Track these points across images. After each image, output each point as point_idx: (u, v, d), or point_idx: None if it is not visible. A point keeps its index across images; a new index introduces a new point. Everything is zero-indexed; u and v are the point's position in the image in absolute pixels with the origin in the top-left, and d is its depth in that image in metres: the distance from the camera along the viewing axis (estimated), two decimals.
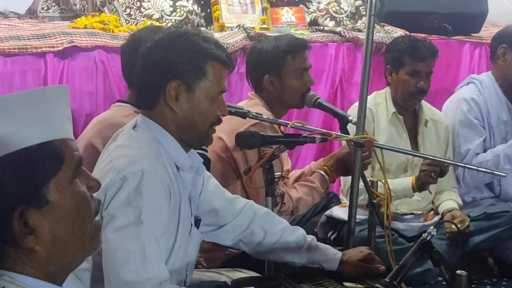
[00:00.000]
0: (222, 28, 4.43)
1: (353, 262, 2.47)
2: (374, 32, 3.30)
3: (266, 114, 2.97)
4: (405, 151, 3.21)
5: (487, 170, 2.89)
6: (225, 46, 2.33)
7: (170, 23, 4.37)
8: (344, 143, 3.32)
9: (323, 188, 3.21)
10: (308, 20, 4.82)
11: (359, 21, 4.94)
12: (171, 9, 4.44)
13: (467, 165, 3.00)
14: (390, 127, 3.73)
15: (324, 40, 4.41)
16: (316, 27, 4.73)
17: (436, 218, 3.74)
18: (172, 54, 2.15)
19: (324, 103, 3.18)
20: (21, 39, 3.69)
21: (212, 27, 4.54)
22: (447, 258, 2.35)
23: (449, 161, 3.61)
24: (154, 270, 2.00)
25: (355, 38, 4.44)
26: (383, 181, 2.81)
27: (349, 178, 3.04)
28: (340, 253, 2.49)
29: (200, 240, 2.40)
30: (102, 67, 3.74)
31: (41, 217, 1.24)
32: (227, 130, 2.97)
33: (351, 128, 2.97)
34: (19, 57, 3.59)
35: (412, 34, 4.44)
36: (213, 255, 3.04)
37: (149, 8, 4.41)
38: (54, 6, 4.94)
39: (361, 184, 2.86)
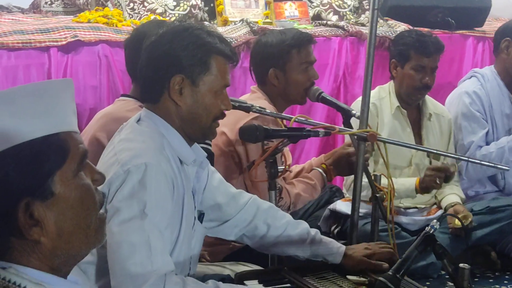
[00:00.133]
0: (225, 22, 4.44)
1: (358, 257, 2.47)
2: (378, 26, 3.30)
3: (269, 108, 2.97)
4: (408, 145, 3.21)
5: (491, 164, 2.89)
6: (228, 41, 2.33)
7: (174, 18, 4.37)
8: (347, 139, 3.32)
9: (321, 186, 3.22)
10: (311, 14, 4.82)
11: (363, 15, 4.94)
12: (175, 3, 4.45)
13: (470, 159, 3.00)
14: (394, 121, 3.73)
15: (327, 34, 4.41)
16: (319, 21, 4.74)
17: (439, 212, 3.75)
18: (176, 48, 2.16)
19: (328, 97, 3.18)
20: (25, 34, 3.70)
21: (215, 22, 4.55)
22: (450, 252, 2.36)
23: (453, 155, 3.61)
24: (159, 262, 2.01)
25: (358, 32, 4.44)
26: (386, 175, 2.81)
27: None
28: (343, 247, 2.50)
29: (203, 234, 2.40)
30: (105, 61, 3.75)
31: (46, 209, 1.25)
32: (229, 124, 2.98)
33: (354, 122, 2.97)
34: (23, 51, 3.60)
35: (415, 28, 4.45)
36: (217, 248, 3.04)
37: (153, 3, 4.42)
38: (57, 0, 4.95)
39: (364, 179, 2.87)
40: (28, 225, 1.24)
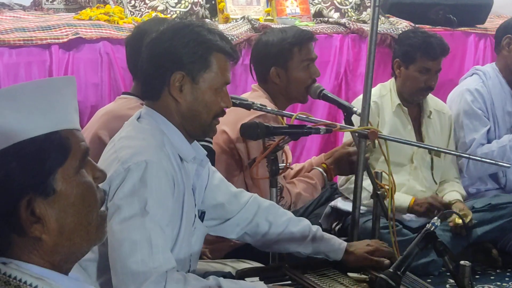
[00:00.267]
0: (226, 19, 4.44)
1: (359, 254, 2.47)
2: (379, 24, 3.30)
3: (269, 106, 2.97)
4: (409, 142, 3.21)
5: (492, 161, 2.89)
6: (229, 38, 2.33)
7: (175, 15, 4.37)
8: (347, 136, 3.32)
9: (321, 185, 3.22)
10: (312, 11, 4.81)
11: (364, 13, 4.94)
12: (176, 0, 4.45)
13: (471, 156, 3.00)
14: (395, 118, 3.73)
15: (328, 31, 4.41)
16: (321, 18, 4.73)
17: None
18: (176, 45, 2.16)
19: (329, 95, 3.18)
20: (26, 31, 3.70)
21: (216, 19, 4.55)
22: (451, 249, 2.36)
23: (454, 152, 3.62)
24: (160, 259, 2.01)
25: (359, 30, 4.44)
26: (387, 172, 2.81)
27: None
28: (345, 243, 2.50)
29: (204, 233, 2.40)
30: (107, 59, 3.76)
31: (48, 206, 1.25)
32: (230, 122, 2.97)
33: (355, 120, 2.97)
34: (25, 49, 3.60)
35: (417, 25, 4.44)
36: (218, 246, 3.05)
37: (154, 0, 4.42)
38: None
39: (364, 181, 2.87)
40: (29, 222, 1.24)
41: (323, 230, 2.59)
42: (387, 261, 2.44)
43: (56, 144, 1.26)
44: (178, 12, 4.41)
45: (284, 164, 2.77)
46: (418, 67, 3.68)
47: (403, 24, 4.60)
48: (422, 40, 3.70)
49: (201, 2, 4.56)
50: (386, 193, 2.82)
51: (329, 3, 4.90)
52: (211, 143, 2.83)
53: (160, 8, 4.39)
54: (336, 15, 4.84)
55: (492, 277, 3.69)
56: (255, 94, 3.20)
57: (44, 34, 3.68)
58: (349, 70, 4.41)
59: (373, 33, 2.80)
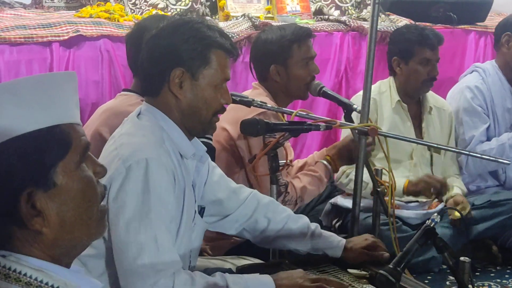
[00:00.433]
0: (227, 17, 4.44)
1: (357, 250, 2.48)
2: (379, 21, 3.31)
3: (270, 104, 2.98)
4: (408, 139, 3.22)
5: (491, 158, 2.90)
6: (230, 36, 2.33)
7: (175, 12, 4.37)
8: (347, 131, 3.32)
9: (326, 177, 3.21)
10: (313, 9, 4.81)
11: (364, 10, 4.94)
12: None
13: (471, 153, 3.01)
14: (394, 115, 3.74)
15: (329, 29, 4.41)
16: (321, 16, 4.73)
17: (440, 205, 3.76)
18: (176, 42, 2.17)
19: (329, 92, 3.19)
20: (27, 29, 3.70)
21: (217, 16, 4.55)
22: (451, 246, 2.36)
23: (453, 149, 3.63)
24: (167, 260, 2.02)
25: (360, 27, 4.44)
26: (387, 169, 2.82)
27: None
28: (344, 240, 2.51)
29: (204, 229, 2.41)
30: (107, 56, 3.76)
31: (48, 200, 1.26)
32: (231, 120, 2.98)
33: (355, 117, 2.98)
34: (25, 46, 3.60)
35: (417, 23, 4.44)
36: (218, 243, 3.06)
37: None
38: None
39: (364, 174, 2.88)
40: (30, 215, 1.25)
41: (323, 227, 2.61)
42: (386, 254, 2.45)
43: (57, 138, 1.27)
44: (178, 9, 4.42)
45: (285, 161, 2.77)
46: (418, 60, 3.69)
47: (403, 22, 4.60)
48: (417, 33, 3.73)
49: (202, 0, 4.56)
50: (386, 190, 2.83)
51: (330, 1, 4.90)
52: (211, 140, 2.84)
53: (161, 5, 4.39)
54: (336, 13, 4.84)
55: (492, 274, 3.70)
56: (255, 92, 3.21)
57: (44, 32, 3.69)
58: (349, 67, 4.41)
59: (373, 31, 2.81)
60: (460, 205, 3.58)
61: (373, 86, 3.20)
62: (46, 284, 1.25)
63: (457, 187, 3.78)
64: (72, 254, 1.34)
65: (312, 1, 4.85)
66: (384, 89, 3.77)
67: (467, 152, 3.16)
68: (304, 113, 2.81)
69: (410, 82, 3.74)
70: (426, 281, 3.48)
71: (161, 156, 2.11)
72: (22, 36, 3.61)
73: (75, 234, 1.30)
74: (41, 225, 1.26)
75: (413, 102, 3.83)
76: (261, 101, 2.83)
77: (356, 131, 2.86)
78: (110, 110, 2.86)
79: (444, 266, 3.60)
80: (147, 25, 2.70)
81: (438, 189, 3.52)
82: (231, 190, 2.49)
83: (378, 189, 2.83)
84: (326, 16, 4.70)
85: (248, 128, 2.61)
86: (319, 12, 4.83)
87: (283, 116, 3.13)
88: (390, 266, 2.09)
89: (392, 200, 2.83)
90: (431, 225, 2.12)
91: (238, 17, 4.39)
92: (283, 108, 3.05)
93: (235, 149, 3.10)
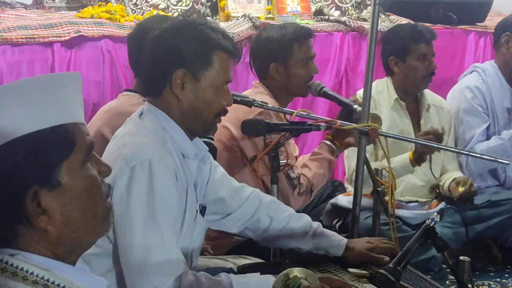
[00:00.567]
0: (227, 17, 4.45)
1: (359, 250, 2.49)
2: (379, 22, 3.32)
3: (271, 102, 2.99)
4: (409, 139, 3.23)
5: (491, 158, 2.91)
6: (230, 36, 2.34)
7: (176, 13, 4.38)
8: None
9: (333, 156, 3.15)
10: (313, 9, 4.82)
11: (364, 11, 4.95)
12: None
13: (471, 153, 3.02)
14: (393, 113, 3.75)
15: (329, 29, 4.42)
16: (322, 16, 4.74)
17: (440, 205, 3.77)
18: (179, 43, 2.18)
19: (329, 92, 3.20)
20: (28, 29, 3.71)
21: (217, 17, 4.55)
22: (450, 246, 2.38)
23: (453, 149, 3.63)
24: (174, 262, 2.04)
25: (360, 28, 4.45)
26: (387, 168, 2.83)
27: (354, 164, 3.05)
28: (345, 240, 2.52)
29: (205, 228, 2.42)
30: (108, 57, 3.77)
31: (53, 198, 1.28)
32: (233, 120, 2.99)
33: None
34: (27, 47, 3.61)
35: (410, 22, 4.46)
36: (219, 242, 3.06)
37: None
38: None
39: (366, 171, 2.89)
40: (35, 214, 1.26)
41: (324, 227, 2.61)
42: (386, 258, 2.46)
43: (61, 137, 1.29)
44: (179, 10, 4.43)
45: (285, 161, 2.78)
46: (415, 56, 3.70)
47: (403, 22, 4.61)
48: (411, 30, 3.75)
49: (202, 0, 4.57)
50: (386, 190, 2.84)
51: (330, 1, 4.91)
52: (212, 139, 2.85)
53: (162, 6, 4.40)
54: (336, 13, 4.85)
55: (491, 273, 3.71)
56: (256, 91, 3.22)
57: (46, 32, 3.70)
58: (349, 68, 4.42)
59: (374, 31, 2.82)
60: (462, 181, 3.57)
61: None
62: (53, 283, 1.26)
63: (457, 173, 3.79)
64: (77, 251, 1.36)
65: (312, 2, 4.86)
66: (381, 89, 3.78)
67: (467, 152, 3.17)
68: (305, 113, 2.82)
69: (409, 79, 3.75)
70: None
71: (163, 156, 2.12)
72: (23, 36, 3.62)
73: (80, 232, 1.32)
74: (47, 223, 1.27)
75: (411, 100, 3.84)
76: (262, 101, 2.84)
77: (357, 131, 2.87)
78: (112, 111, 2.87)
79: (444, 266, 3.62)
80: (149, 26, 2.71)
81: (437, 136, 3.44)
82: (233, 188, 2.51)
83: (379, 189, 2.84)
84: (327, 17, 4.71)
85: (249, 128, 2.62)
86: (319, 13, 4.84)
87: (284, 115, 3.14)
88: (390, 265, 2.09)
89: (392, 200, 2.84)
90: (431, 225, 2.12)
91: (239, 18, 4.40)
92: (284, 108, 3.06)
93: (237, 148, 3.11)
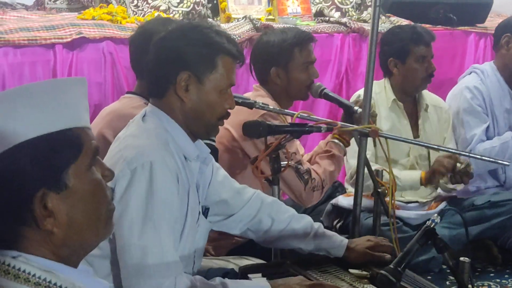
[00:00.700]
0: (228, 19, 4.46)
1: (360, 250, 2.50)
2: (380, 23, 3.32)
3: (272, 105, 2.99)
4: (410, 141, 3.24)
5: (491, 159, 2.92)
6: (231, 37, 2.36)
7: (177, 14, 4.40)
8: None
9: (341, 153, 3.20)
10: (314, 11, 4.83)
11: (365, 12, 4.96)
12: (178, 0, 4.47)
13: (471, 154, 3.03)
14: (391, 114, 3.76)
15: (329, 31, 4.43)
16: (322, 18, 4.75)
17: (440, 206, 3.78)
18: (184, 46, 2.19)
19: (330, 94, 3.21)
20: (30, 31, 3.72)
21: (218, 18, 4.56)
22: (451, 246, 2.38)
23: (454, 150, 3.64)
24: (171, 264, 2.05)
25: (360, 29, 4.46)
26: (388, 170, 2.84)
27: (354, 165, 3.07)
28: (346, 240, 2.53)
29: (208, 229, 2.44)
30: (110, 58, 3.78)
31: (60, 201, 1.29)
32: (234, 122, 2.99)
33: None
34: (29, 48, 3.62)
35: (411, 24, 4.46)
36: (221, 243, 3.07)
37: None
38: None
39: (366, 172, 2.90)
40: (42, 216, 1.28)
41: (324, 227, 2.62)
42: (388, 256, 2.47)
43: (69, 141, 1.31)
44: (180, 11, 4.44)
45: (286, 162, 2.79)
46: (415, 58, 3.71)
47: (403, 24, 4.62)
48: (410, 31, 3.75)
49: (203, 2, 4.58)
50: (386, 191, 2.85)
51: (330, 2, 4.93)
52: (214, 141, 2.86)
53: (163, 7, 4.41)
54: (337, 15, 4.87)
55: (491, 274, 3.72)
56: (257, 94, 3.22)
57: (48, 34, 3.70)
58: (350, 69, 4.43)
59: (374, 32, 2.83)
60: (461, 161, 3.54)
61: None
62: (55, 284, 1.27)
63: None
64: (80, 254, 1.37)
65: (312, 3, 4.87)
66: (379, 90, 3.78)
67: (467, 153, 3.19)
68: (306, 115, 2.83)
69: (408, 81, 3.75)
70: None
71: (165, 158, 2.14)
72: (25, 38, 3.63)
73: (84, 234, 1.33)
74: (53, 226, 1.29)
75: (409, 101, 3.84)
76: (263, 103, 2.86)
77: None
78: (114, 113, 2.88)
79: (444, 266, 3.62)
80: (151, 28, 2.72)
81: (451, 163, 3.48)
82: (235, 190, 2.52)
83: (379, 190, 2.85)
84: (327, 18, 4.72)
85: (250, 130, 2.63)
86: (319, 14, 4.85)
87: (285, 117, 3.15)
88: (391, 266, 2.11)
89: (392, 201, 2.85)
90: (431, 226, 2.14)
91: (239, 19, 4.41)
92: (285, 110, 3.07)
93: (238, 150, 3.12)
